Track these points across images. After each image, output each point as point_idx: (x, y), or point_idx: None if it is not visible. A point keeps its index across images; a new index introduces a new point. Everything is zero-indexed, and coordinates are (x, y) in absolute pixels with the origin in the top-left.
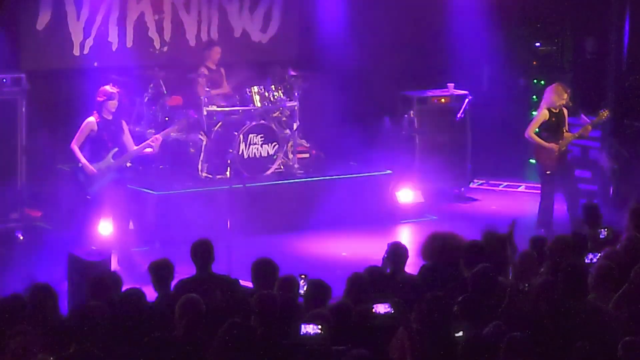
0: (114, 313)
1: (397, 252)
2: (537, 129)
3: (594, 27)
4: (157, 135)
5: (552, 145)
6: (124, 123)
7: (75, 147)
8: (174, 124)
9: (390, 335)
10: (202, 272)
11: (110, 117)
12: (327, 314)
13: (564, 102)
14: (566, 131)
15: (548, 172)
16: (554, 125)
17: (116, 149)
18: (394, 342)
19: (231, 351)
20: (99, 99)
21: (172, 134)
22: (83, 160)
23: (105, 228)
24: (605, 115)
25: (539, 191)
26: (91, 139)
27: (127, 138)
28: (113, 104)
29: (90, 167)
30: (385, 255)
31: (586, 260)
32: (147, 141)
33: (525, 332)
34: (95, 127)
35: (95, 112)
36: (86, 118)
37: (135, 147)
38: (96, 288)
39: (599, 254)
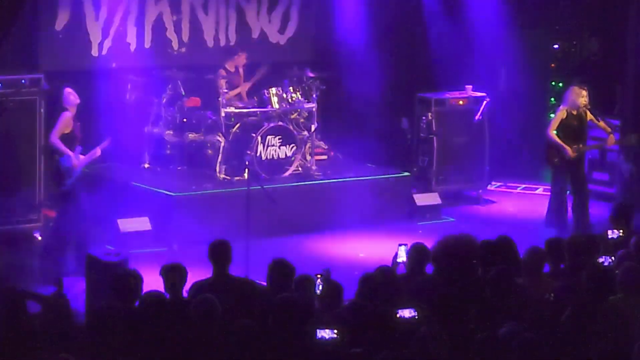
0: (135, 313)
1: (418, 253)
2: (555, 130)
3: (612, 29)
4: (97, 149)
5: (567, 148)
6: None
7: (57, 140)
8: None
9: (409, 336)
10: (219, 274)
11: (74, 112)
12: (342, 315)
13: (583, 100)
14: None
15: (554, 169)
16: (573, 127)
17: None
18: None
19: (242, 352)
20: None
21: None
22: (69, 152)
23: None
24: (634, 140)
25: (550, 189)
26: (65, 137)
27: None
28: (74, 97)
29: (75, 160)
30: (395, 256)
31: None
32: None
33: (544, 333)
34: (71, 123)
35: (66, 110)
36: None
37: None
38: (119, 287)
39: (611, 257)
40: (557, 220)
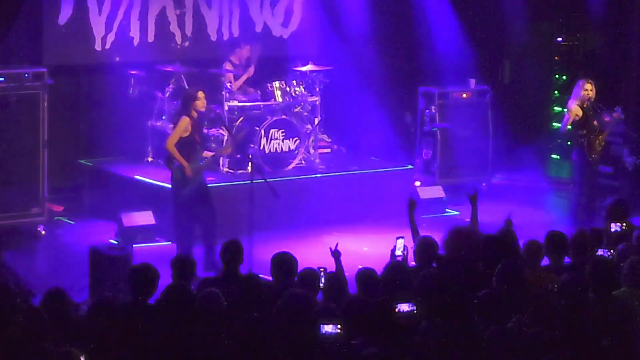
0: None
1: (425, 247)
2: (570, 126)
3: (615, 22)
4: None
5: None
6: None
7: (173, 147)
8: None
9: (411, 330)
10: (227, 272)
11: (196, 117)
12: (341, 308)
13: (586, 93)
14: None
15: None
16: (584, 121)
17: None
18: None
19: (247, 347)
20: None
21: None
22: (184, 161)
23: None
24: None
25: (578, 187)
26: (183, 141)
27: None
28: (202, 104)
29: (189, 169)
30: (393, 249)
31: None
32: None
33: (550, 327)
34: (190, 129)
35: (184, 115)
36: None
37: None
38: (136, 281)
39: (611, 250)
40: (584, 216)
